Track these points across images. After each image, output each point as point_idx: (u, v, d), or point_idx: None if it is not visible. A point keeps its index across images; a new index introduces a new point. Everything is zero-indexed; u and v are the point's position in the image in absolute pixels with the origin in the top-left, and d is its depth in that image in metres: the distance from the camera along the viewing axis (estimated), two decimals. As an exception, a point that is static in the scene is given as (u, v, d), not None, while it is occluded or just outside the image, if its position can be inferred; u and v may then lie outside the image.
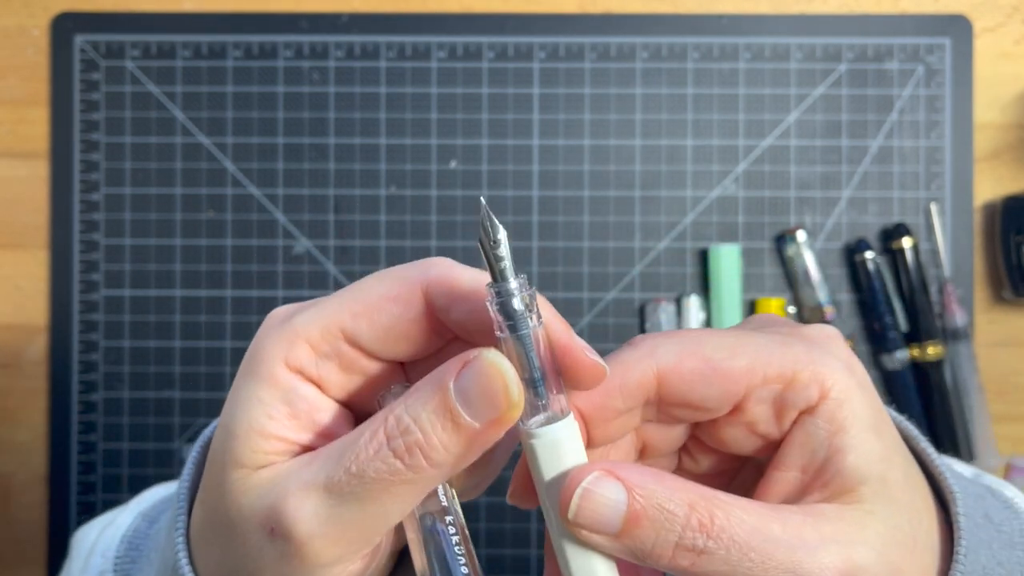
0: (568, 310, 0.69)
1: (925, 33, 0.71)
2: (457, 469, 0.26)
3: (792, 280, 0.70)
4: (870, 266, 0.69)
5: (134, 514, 0.42)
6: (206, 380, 0.70)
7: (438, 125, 0.71)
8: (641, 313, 0.70)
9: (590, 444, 0.30)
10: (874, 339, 0.70)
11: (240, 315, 0.70)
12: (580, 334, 0.30)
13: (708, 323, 0.70)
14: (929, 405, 0.69)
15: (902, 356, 0.69)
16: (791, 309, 0.70)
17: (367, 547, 0.27)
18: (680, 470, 0.33)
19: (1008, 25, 0.71)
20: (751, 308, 0.70)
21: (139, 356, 0.70)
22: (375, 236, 0.71)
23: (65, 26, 0.71)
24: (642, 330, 0.70)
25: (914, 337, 0.69)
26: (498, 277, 0.27)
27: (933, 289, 0.70)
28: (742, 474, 0.33)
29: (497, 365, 0.26)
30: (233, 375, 0.72)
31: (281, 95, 0.71)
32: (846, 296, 0.70)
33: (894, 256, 0.69)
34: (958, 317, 0.69)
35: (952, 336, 0.69)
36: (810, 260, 0.69)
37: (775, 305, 0.69)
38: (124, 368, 0.70)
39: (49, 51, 0.71)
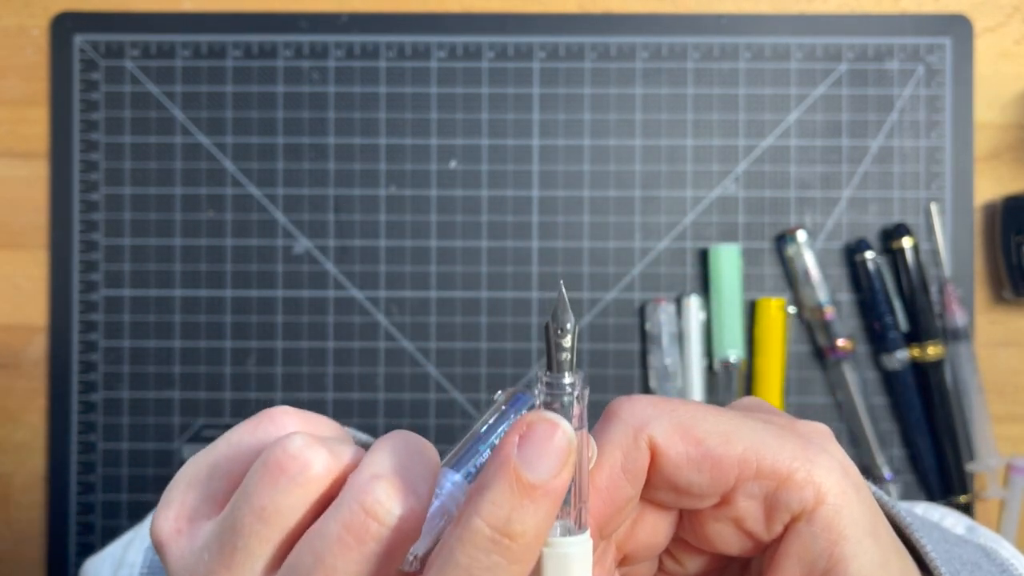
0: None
1: (925, 33, 0.71)
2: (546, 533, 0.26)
3: (792, 280, 0.70)
4: (870, 266, 0.69)
5: (143, 550, 0.42)
6: (206, 380, 0.70)
7: (438, 125, 0.71)
8: (641, 313, 0.70)
9: (603, 538, 0.29)
10: (874, 339, 0.70)
11: (240, 315, 0.70)
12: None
13: (708, 323, 0.70)
14: (929, 405, 0.69)
15: (902, 356, 0.69)
16: (791, 309, 0.70)
17: None
18: (662, 573, 0.32)
19: (1008, 25, 0.71)
20: (751, 308, 0.70)
21: (139, 356, 0.70)
22: (375, 236, 0.71)
23: (65, 26, 0.71)
24: (642, 330, 0.70)
25: (914, 337, 0.69)
26: (554, 367, 0.26)
27: (933, 289, 0.70)
28: (726, 574, 0.32)
29: (547, 420, 0.25)
30: (233, 375, 0.72)
31: (281, 95, 0.71)
32: (846, 296, 0.70)
33: (894, 256, 0.69)
34: (958, 317, 0.69)
35: (952, 336, 0.69)
36: (810, 260, 0.69)
37: (775, 305, 0.69)
38: (124, 368, 0.70)
39: (49, 51, 0.71)
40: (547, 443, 0.24)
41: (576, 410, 0.26)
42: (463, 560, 0.24)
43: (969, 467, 0.69)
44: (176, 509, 0.29)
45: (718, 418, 0.28)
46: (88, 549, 0.70)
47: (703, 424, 0.28)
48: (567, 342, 0.26)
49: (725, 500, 0.28)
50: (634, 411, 0.28)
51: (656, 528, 0.30)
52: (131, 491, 0.70)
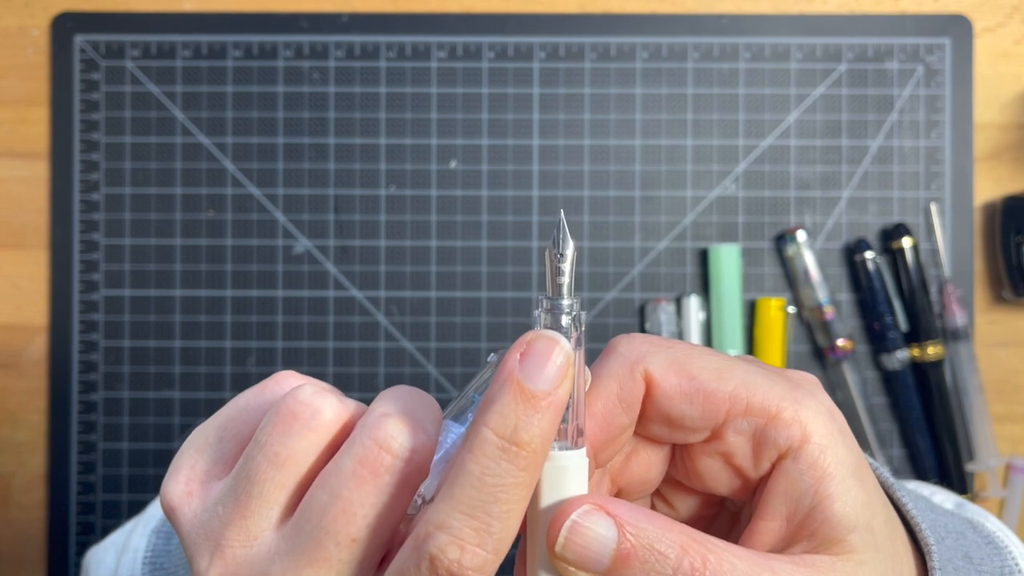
0: (568, 310, 0.69)
1: (925, 33, 0.71)
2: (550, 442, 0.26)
3: (792, 280, 0.70)
4: (870, 266, 0.69)
5: (146, 534, 0.42)
6: (206, 380, 0.70)
7: (438, 125, 0.71)
8: (641, 313, 0.70)
9: (599, 465, 0.30)
10: (874, 339, 0.70)
11: (240, 315, 0.70)
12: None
13: (708, 323, 0.70)
14: (929, 405, 0.69)
15: (902, 356, 0.69)
16: (791, 309, 0.70)
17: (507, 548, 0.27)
18: None
19: (1008, 25, 0.71)
20: (751, 308, 0.70)
21: (139, 356, 0.70)
22: (375, 236, 0.71)
23: (65, 26, 0.71)
24: (642, 330, 0.70)
25: (914, 337, 0.69)
26: (553, 290, 0.27)
27: (933, 289, 0.70)
28: (715, 524, 0.33)
29: (546, 336, 0.26)
30: (233, 375, 0.72)
31: (281, 95, 0.71)
32: (846, 296, 0.70)
33: (894, 256, 0.69)
34: (958, 317, 0.69)
35: (952, 336, 0.69)
36: (810, 260, 0.69)
37: (775, 305, 0.69)
38: (124, 368, 0.70)
39: (49, 51, 0.71)
40: (546, 356, 0.25)
41: (573, 332, 0.27)
42: (475, 469, 0.25)
43: (969, 467, 0.69)
44: (186, 474, 0.30)
45: (712, 357, 0.29)
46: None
47: (697, 361, 0.29)
48: (565, 267, 0.27)
49: (715, 435, 0.29)
50: (632, 346, 0.29)
51: (650, 463, 0.31)
52: (131, 491, 0.70)
